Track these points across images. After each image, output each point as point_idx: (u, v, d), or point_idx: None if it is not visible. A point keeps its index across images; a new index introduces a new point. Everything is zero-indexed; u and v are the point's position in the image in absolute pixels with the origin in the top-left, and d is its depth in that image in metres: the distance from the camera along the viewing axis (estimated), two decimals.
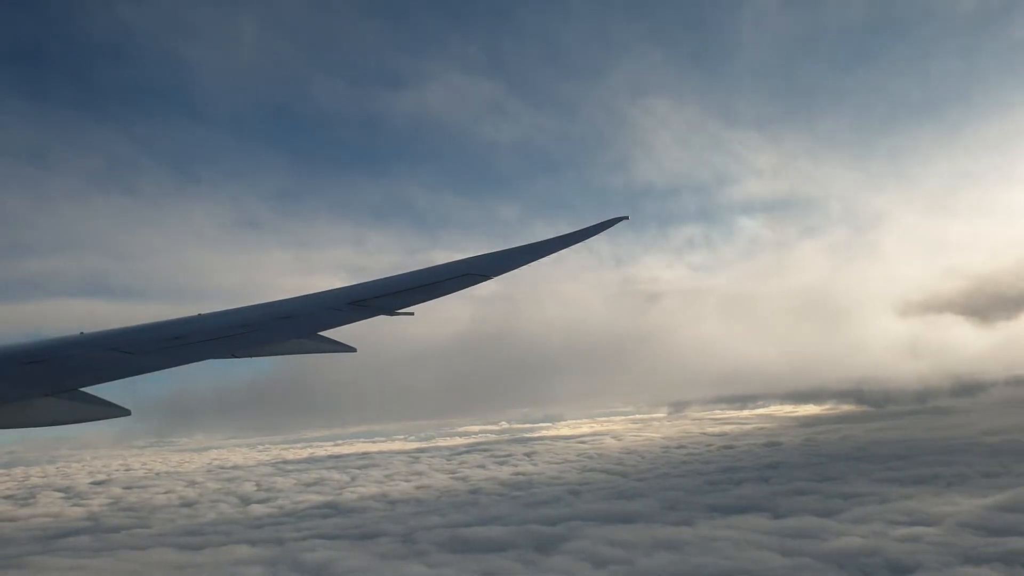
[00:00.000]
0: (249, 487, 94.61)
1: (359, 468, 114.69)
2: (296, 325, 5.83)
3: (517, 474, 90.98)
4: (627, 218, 9.83)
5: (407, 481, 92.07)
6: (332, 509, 71.93)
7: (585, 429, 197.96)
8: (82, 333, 5.62)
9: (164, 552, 53.41)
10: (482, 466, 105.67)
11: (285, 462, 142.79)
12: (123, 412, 4.05)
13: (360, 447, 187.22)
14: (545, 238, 8.93)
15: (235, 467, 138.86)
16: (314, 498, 79.64)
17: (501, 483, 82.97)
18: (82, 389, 4.06)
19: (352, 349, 5.78)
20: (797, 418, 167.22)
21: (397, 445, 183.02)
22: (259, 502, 79.25)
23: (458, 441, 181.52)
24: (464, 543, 50.90)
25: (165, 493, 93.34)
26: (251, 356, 5.30)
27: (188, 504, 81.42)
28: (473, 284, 7.02)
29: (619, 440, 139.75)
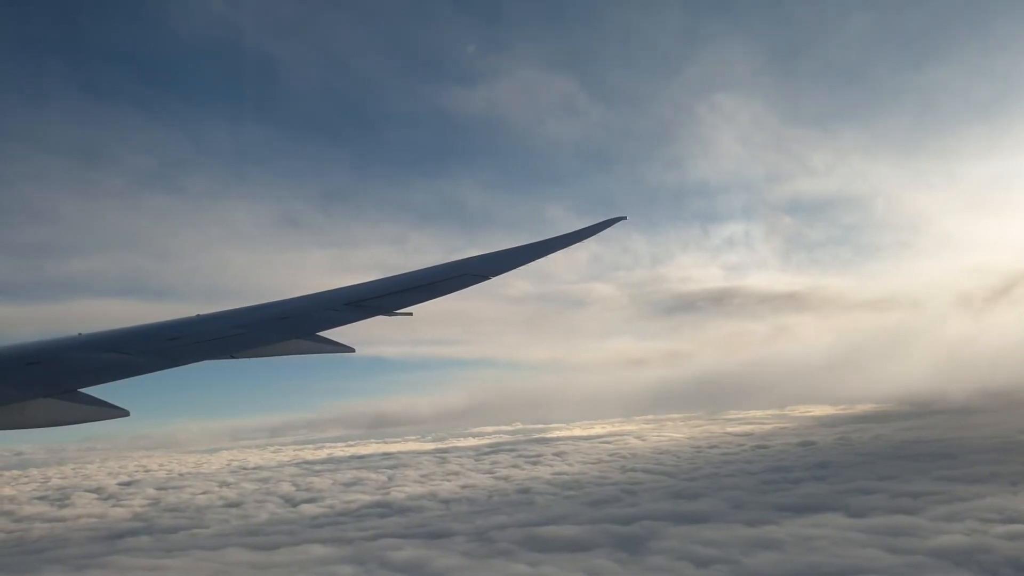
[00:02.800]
0: (287, 487, 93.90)
1: (390, 468, 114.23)
2: (294, 325, 5.82)
3: (558, 474, 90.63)
4: (625, 218, 10.08)
5: (447, 480, 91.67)
6: (386, 508, 71.54)
7: (599, 430, 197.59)
8: (80, 334, 5.58)
9: (238, 552, 52.92)
10: (516, 466, 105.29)
11: (307, 462, 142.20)
12: (122, 413, 4.01)
13: (375, 447, 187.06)
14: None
15: (257, 467, 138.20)
16: (362, 498, 79.16)
17: (547, 483, 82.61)
18: (81, 390, 4.03)
19: (351, 350, 5.73)
20: (815, 418, 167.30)
21: (413, 445, 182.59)
22: (307, 502, 78.70)
23: (473, 442, 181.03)
24: (544, 542, 50.58)
25: (203, 494, 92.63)
26: (249, 357, 5.30)
27: (234, 505, 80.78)
28: (471, 284, 7.03)
29: (643, 440, 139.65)
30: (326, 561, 48.84)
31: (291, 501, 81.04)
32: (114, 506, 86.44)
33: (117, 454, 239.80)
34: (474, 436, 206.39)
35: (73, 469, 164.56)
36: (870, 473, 71.42)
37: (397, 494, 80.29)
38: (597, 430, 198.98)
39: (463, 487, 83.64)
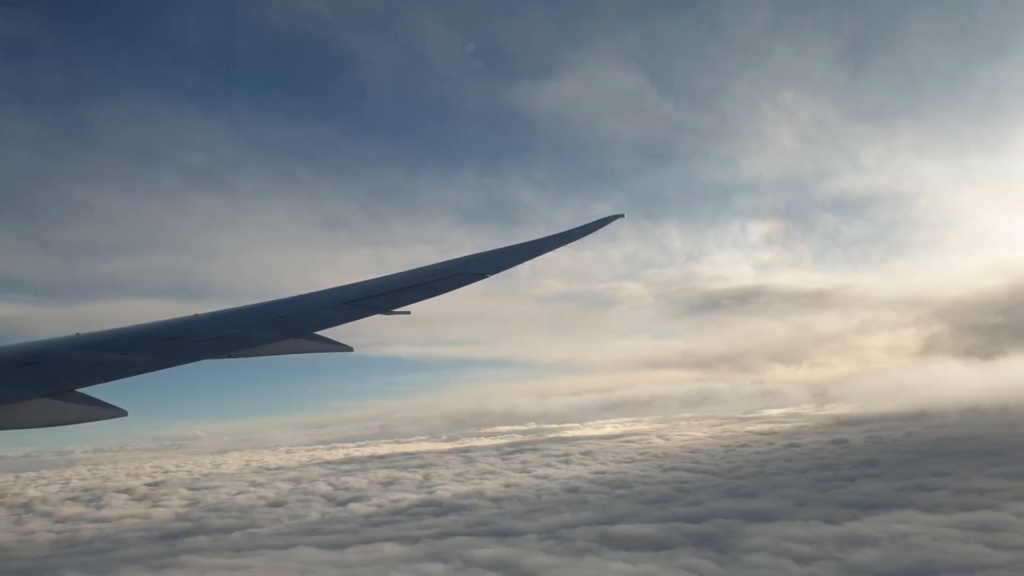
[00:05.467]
0: (323, 487, 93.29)
1: (418, 467, 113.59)
2: (292, 325, 5.86)
3: (598, 473, 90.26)
4: (623, 216, 10.03)
5: (485, 479, 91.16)
6: (438, 507, 71.06)
7: (611, 429, 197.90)
8: (78, 334, 5.64)
9: (310, 551, 52.36)
10: (550, 465, 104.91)
11: (327, 463, 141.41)
12: (120, 413, 4.05)
13: (389, 448, 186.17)
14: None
15: (279, 468, 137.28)
16: (408, 496, 78.66)
17: (591, 482, 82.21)
18: (78, 390, 4.07)
19: (349, 348, 5.80)
20: (832, 416, 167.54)
21: (427, 445, 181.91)
22: (353, 501, 78.11)
23: (488, 442, 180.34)
24: (621, 541, 50.17)
25: (239, 494, 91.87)
26: (247, 356, 5.35)
27: (277, 504, 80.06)
28: (469, 283, 7.10)
29: (667, 440, 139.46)
30: (406, 559, 48.33)
31: (335, 500, 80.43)
32: (152, 507, 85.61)
33: (126, 455, 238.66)
34: (487, 436, 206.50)
35: (89, 470, 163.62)
36: (923, 470, 71.36)
37: (442, 493, 79.72)
38: (609, 429, 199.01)
39: (506, 486, 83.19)
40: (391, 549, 51.93)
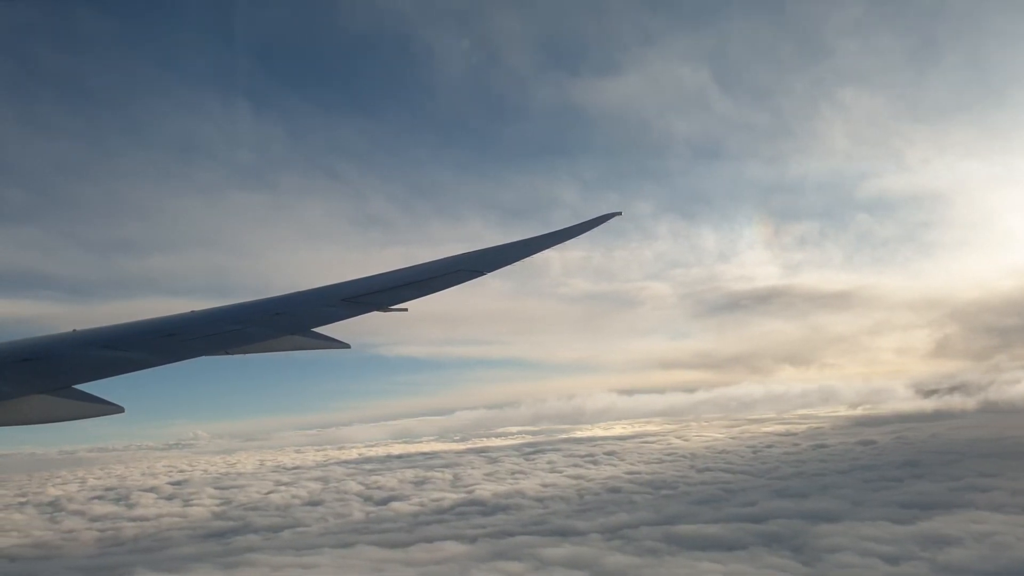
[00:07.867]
0: (354, 486, 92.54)
1: (443, 467, 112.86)
2: (290, 322, 5.91)
3: (632, 473, 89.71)
4: (620, 214, 10.04)
5: (518, 479, 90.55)
6: (483, 506, 70.44)
7: (620, 430, 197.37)
8: (75, 330, 5.68)
9: (372, 550, 51.72)
10: (578, 465, 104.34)
11: (345, 462, 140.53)
12: (117, 409, 4.08)
13: (401, 447, 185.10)
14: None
15: (297, 467, 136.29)
16: (448, 495, 78.02)
17: (630, 482, 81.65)
18: (76, 386, 4.09)
19: (346, 345, 5.84)
20: (849, 418, 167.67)
21: (440, 445, 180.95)
22: (392, 500, 77.41)
23: (499, 442, 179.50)
24: (690, 541, 49.62)
25: (270, 493, 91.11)
26: (245, 353, 5.38)
27: (315, 503, 79.29)
28: (466, 280, 7.20)
29: (687, 440, 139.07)
30: (474, 558, 47.71)
31: (373, 500, 79.71)
32: (185, 506, 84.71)
33: (132, 455, 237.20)
34: (498, 436, 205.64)
35: (101, 469, 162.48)
36: (968, 470, 70.98)
37: (481, 492, 79.05)
38: (619, 430, 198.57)
39: (544, 485, 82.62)
40: (453, 548, 51.33)
